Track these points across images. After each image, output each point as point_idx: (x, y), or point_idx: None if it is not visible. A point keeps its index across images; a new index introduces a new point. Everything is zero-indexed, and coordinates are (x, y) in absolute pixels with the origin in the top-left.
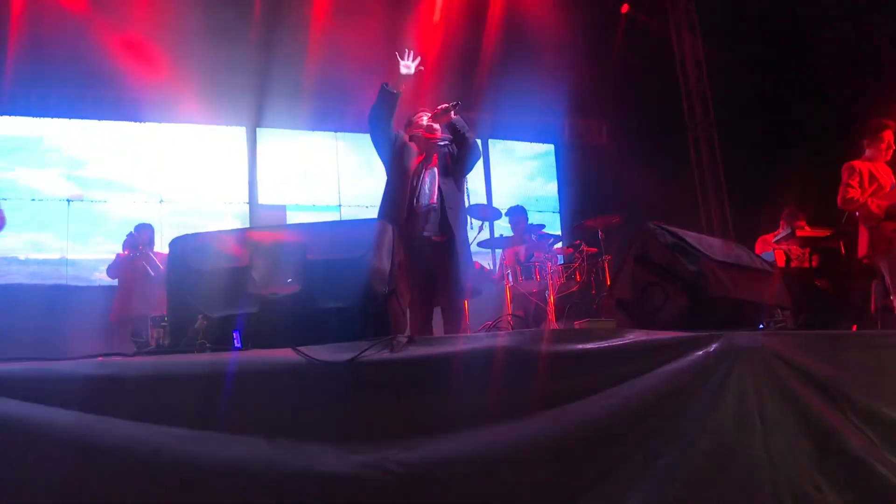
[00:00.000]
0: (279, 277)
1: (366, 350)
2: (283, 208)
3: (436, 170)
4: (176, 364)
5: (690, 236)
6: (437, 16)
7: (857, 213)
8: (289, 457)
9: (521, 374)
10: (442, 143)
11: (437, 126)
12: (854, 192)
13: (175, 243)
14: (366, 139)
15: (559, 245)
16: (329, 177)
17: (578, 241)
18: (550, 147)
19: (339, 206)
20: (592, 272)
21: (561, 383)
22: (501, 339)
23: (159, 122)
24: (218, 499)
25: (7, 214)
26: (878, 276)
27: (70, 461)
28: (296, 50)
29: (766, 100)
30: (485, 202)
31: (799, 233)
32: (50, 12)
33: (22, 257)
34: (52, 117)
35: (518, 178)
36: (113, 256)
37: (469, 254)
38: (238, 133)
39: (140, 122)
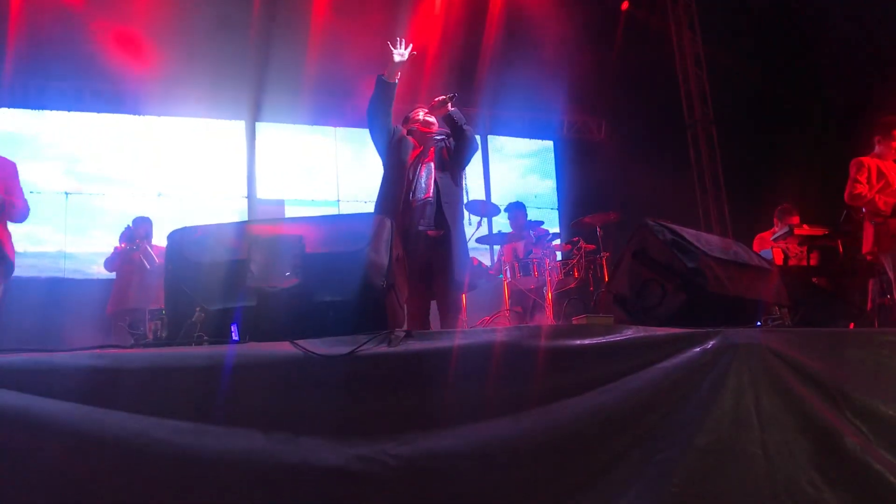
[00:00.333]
0: (277, 271)
1: (363, 344)
2: (281, 203)
3: (432, 164)
4: (173, 357)
5: (689, 233)
6: (437, 8)
7: (864, 209)
8: (285, 450)
9: (518, 370)
10: (438, 137)
11: (433, 119)
12: (862, 188)
13: (173, 236)
14: (365, 134)
15: (557, 242)
16: (328, 172)
17: (577, 238)
18: (544, 144)
19: (338, 200)
20: (590, 269)
21: (558, 379)
22: (499, 335)
23: (158, 115)
24: (214, 491)
25: None
26: (876, 274)
27: (67, 452)
28: (295, 44)
29: (765, 97)
30: (483, 198)
31: (797, 231)
32: (49, 5)
33: (20, 250)
34: (51, 110)
35: (512, 175)
36: (111, 250)
37: (466, 248)
38: (237, 127)
39: (139, 115)
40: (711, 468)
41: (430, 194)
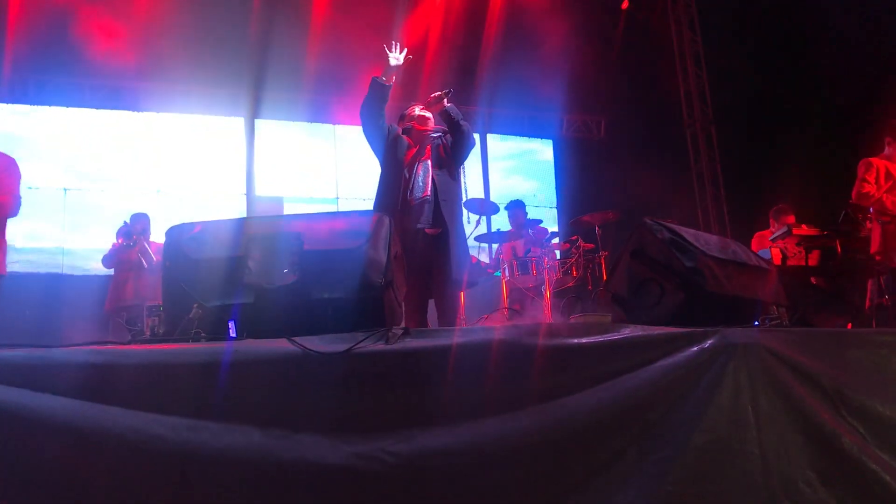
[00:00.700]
0: (275, 268)
1: (361, 341)
2: (280, 200)
3: (429, 162)
4: (170, 353)
5: (687, 232)
6: (437, 5)
7: (871, 209)
8: (283, 447)
9: (516, 368)
10: (435, 135)
11: (429, 116)
12: (869, 188)
13: (171, 232)
14: None
15: (556, 240)
16: (327, 169)
17: (575, 237)
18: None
19: (337, 198)
20: (589, 268)
21: (556, 377)
22: (497, 333)
23: (157, 112)
24: (211, 488)
25: None
26: (875, 274)
27: (64, 448)
28: (295, 41)
29: (764, 98)
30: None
31: (796, 231)
32: (47, 1)
33: (18, 246)
34: (50, 106)
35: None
36: (109, 246)
37: (465, 246)
38: (236, 124)
39: (138, 111)
40: (708, 467)
41: (428, 193)
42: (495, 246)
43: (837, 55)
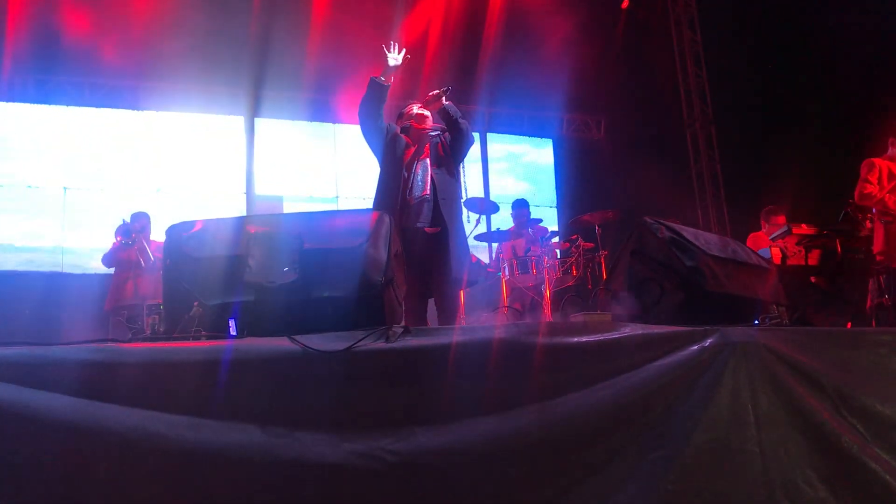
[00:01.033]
0: (275, 266)
1: (361, 340)
2: (280, 199)
3: (428, 161)
4: (171, 351)
5: (687, 231)
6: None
7: (874, 210)
8: (283, 445)
9: (515, 367)
10: (434, 133)
11: (427, 114)
12: (872, 189)
13: (172, 231)
14: None
15: (556, 240)
16: (327, 168)
17: (575, 236)
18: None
19: (336, 197)
20: (589, 267)
21: (555, 376)
22: (497, 332)
23: (157, 110)
24: (210, 486)
25: (3, 202)
26: (875, 273)
27: (63, 446)
28: (295, 40)
29: (764, 97)
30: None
31: (795, 230)
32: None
33: (18, 245)
34: (49, 105)
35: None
36: (109, 245)
37: (464, 245)
38: (236, 123)
39: (138, 110)
40: (708, 466)
41: (427, 192)
42: (495, 245)
43: (838, 55)
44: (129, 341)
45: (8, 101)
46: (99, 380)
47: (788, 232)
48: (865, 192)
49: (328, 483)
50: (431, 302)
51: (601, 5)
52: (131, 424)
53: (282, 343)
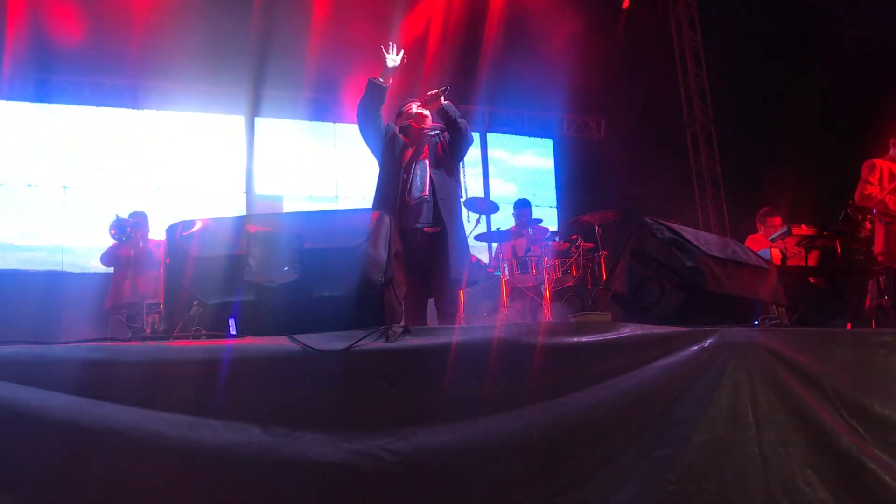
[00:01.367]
0: (275, 266)
1: (361, 339)
2: (279, 199)
3: (427, 161)
4: (170, 350)
5: (687, 232)
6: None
7: (874, 210)
8: (282, 444)
9: (515, 366)
10: (433, 133)
11: (426, 114)
12: (873, 189)
13: (172, 230)
14: None
15: (556, 240)
16: (327, 168)
17: (575, 236)
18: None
19: (337, 196)
20: (589, 267)
21: (555, 376)
22: (497, 331)
23: (157, 109)
24: (210, 485)
25: (3, 201)
26: (874, 274)
27: (63, 444)
28: (295, 39)
29: (765, 97)
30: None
31: (795, 230)
32: None
33: (18, 244)
34: (50, 103)
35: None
36: (109, 244)
37: (464, 245)
38: (236, 122)
39: (138, 109)
40: (707, 466)
41: (427, 192)
42: (495, 245)
43: (838, 55)
44: (129, 340)
45: (7, 99)
46: (99, 379)
47: (788, 232)
48: (866, 192)
49: (328, 482)
50: (431, 302)
51: (602, 5)
52: (131, 423)
53: (282, 342)
